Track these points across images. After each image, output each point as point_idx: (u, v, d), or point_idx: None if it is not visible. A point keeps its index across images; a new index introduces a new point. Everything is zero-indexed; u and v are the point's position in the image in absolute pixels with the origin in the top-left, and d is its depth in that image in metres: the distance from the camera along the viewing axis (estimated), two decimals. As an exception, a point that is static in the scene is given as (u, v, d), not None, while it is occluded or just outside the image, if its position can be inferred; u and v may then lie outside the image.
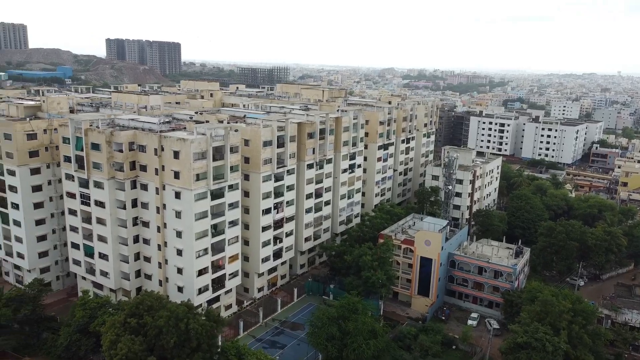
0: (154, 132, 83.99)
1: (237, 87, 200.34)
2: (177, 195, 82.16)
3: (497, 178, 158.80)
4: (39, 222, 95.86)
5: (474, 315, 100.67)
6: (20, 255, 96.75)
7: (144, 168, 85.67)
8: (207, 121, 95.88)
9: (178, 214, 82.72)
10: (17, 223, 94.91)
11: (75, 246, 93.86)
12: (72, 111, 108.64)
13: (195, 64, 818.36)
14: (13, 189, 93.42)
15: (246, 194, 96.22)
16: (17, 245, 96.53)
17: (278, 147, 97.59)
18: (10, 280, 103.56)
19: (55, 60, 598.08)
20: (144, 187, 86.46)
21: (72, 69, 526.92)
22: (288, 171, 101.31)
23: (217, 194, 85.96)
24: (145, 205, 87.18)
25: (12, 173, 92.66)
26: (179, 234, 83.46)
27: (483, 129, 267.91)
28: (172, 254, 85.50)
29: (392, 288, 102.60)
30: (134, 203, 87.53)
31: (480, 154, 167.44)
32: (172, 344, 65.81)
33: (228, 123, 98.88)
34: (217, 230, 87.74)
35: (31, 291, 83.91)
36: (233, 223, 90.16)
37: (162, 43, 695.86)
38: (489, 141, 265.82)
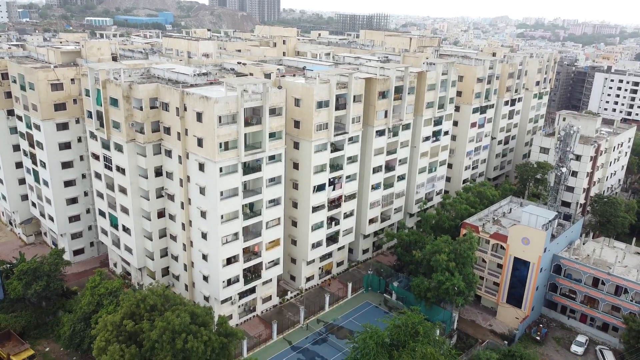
0: (176, 87, 67.77)
1: (319, 34, 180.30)
2: (201, 167, 66.26)
3: (626, 153, 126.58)
4: (69, 184, 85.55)
5: (580, 339, 76.89)
6: (50, 218, 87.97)
7: (167, 130, 70.52)
8: (251, 74, 78.09)
9: (202, 190, 67.11)
10: (45, 183, 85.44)
11: (102, 214, 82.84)
12: (114, 58, 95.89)
13: (294, 11, 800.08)
14: (39, 145, 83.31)
15: (295, 165, 78.39)
16: (47, 206, 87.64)
17: (338, 108, 77.66)
18: (47, 241, 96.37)
19: (160, 6, 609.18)
20: (169, 154, 71.67)
21: (173, 15, 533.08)
22: (350, 139, 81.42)
23: (252, 167, 69.03)
24: (170, 176, 72.69)
25: (37, 127, 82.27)
26: (203, 214, 68.19)
27: (610, 88, 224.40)
28: (196, 237, 70.92)
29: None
30: (158, 172, 73.33)
31: (605, 121, 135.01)
32: (166, 364, 51.50)
33: (283, 77, 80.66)
34: (252, 210, 71.43)
35: (48, 264, 73.88)
36: (274, 202, 73.25)
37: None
38: (616, 103, 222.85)
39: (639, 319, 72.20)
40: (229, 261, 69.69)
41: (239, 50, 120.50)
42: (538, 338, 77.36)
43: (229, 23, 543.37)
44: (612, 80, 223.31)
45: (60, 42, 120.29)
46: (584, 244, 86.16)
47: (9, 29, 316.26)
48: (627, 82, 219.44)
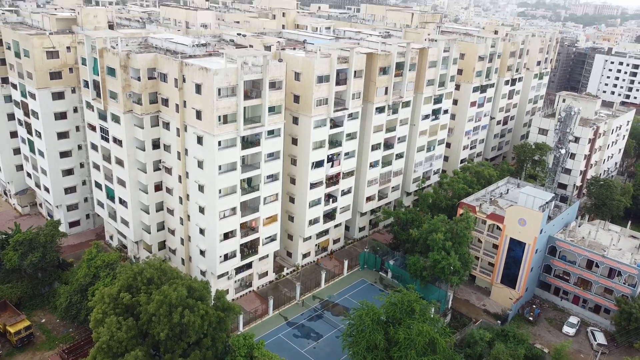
0: (175, 58, 66.44)
1: (319, 7, 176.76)
2: (199, 140, 65.44)
3: (624, 136, 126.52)
4: (64, 154, 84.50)
5: (572, 320, 77.84)
6: (46, 189, 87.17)
7: (165, 102, 69.45)
8: (251, 46, 76.65)
9: (200, 164, 66.45)
10: (41, 153, 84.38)
11: (99, 186, 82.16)
12: (111, 26, 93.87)
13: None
14: (35, 114, 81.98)
15: (294, 141, 77.68)
16: (42, 177, 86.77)
17: (338, 83, 76.60)
18: (43, 213, 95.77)
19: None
20: (166, 126, 70.72)
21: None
22: (350, 115, 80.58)
23: (251, 141, 68.29)
24: (167, 148, 71.86)
25: (32, 96, 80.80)
26: (201, 188, 67.67)
27: (610, 70, 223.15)
28: (194, 211, 70.52)
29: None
30: (155, 144, 72.48)
31: (604, 103, 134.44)
32: (163, 337, 51.65)
33: (282, 49, 79.22)
34: (250, 185, 70.96)
35: (44, 235, 73.47)
36: (272, 177, 72.73)
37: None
38: (615, 86, 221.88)
39: (631, 301, 73.13)
40: (226, 236, 69.49)
41: (238, 22, 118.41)
42: (531, 318, 78.24)
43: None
44: (612, 62, 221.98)
45: (55, 9, 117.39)
46: (579, 226, 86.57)
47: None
48: (627, 65, 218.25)
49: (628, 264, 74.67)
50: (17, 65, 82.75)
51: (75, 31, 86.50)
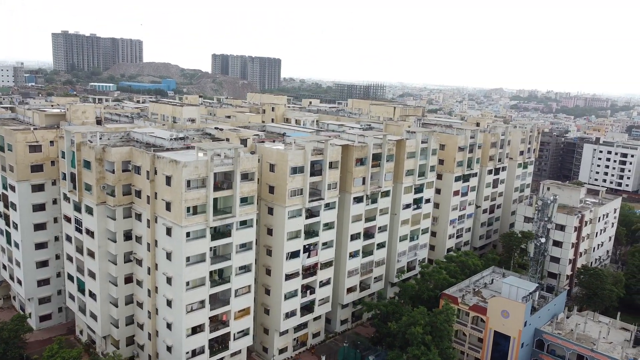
0: (148, 151, 67.91)
1: (310, 102, 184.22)
2: (168, 231, 65.06)
3: (613, 224, 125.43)
4: (40, 246, 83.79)
5: (567, 421, 72.43)
6: (19, 282, 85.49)
7: (138, 194, 69.96)
8: (227, 139, 78.59)
9: (168, 255, 65.52)
10: (16, 245, 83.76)
11: (71, 278, 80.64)
12: (99, 122, 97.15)
13: (295, 80, 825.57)
14: (13, 206, 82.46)
15: (269, 231, 77.14)
16: (16, 269, 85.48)
17: (313, 174, 77.52)
18: (16, 306, 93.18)
19: (164, 73, 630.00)
20: (138, 217, 70.69)
21: (175, 82, 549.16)
22: (327, 205, 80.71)
23: (222, 232, 67.79)
24: (139, 240, 71.30)
25: (12, 188, 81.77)
26: (169, 280, 66.18)
27: (599, 159, 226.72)
28: (162, 304, 68.48)
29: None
30: (127, 235, 72.03)
31: (592, 191, 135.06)
32: None
33: (261, 142, 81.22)
34: (222, 277, 69.42)
35: (7, 330, 71.03)
36: (245, 269, 71.34)
37: (263, 59, 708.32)
38: (605, 174, 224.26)
39: (626, 400, 68.33)
40: (194, 330, 66.82)
41: (229, 116, 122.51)
42: (522, 420, 72.87)
43: (229, 91, 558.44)
44: (600, 152, 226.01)
45: (52, 105, 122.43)
46: (568, 317, 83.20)
47: (14, 92, 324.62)
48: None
49: (617, 359, 70.64)
50: (0, 159, 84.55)
51: (62, 126, 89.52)
